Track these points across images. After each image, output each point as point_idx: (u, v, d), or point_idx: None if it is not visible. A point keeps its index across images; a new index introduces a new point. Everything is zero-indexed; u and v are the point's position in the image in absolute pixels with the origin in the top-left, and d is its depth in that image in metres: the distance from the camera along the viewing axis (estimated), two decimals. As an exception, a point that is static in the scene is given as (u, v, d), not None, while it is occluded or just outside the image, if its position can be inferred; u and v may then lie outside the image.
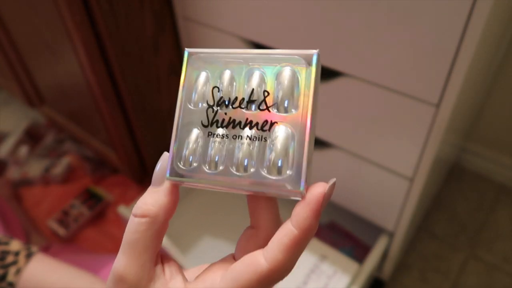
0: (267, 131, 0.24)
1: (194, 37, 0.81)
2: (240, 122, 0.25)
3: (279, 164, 0.24)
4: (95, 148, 1.01)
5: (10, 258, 0.53)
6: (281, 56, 0.25)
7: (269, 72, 0.25)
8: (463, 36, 0.50)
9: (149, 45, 0.79)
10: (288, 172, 0.24)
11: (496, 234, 1.10)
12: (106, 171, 1.15)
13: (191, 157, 0.25)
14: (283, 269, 0.23)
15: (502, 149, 1.16)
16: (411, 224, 0.81)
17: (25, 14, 0.80)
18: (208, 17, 0.74)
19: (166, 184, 0.26)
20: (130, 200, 1.04)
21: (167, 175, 0.26)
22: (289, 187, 0.23)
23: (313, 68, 0.24)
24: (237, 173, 0.24)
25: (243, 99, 0.25)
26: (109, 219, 1.05)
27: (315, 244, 0.86)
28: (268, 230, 0.25)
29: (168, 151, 0.26)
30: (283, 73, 0.25)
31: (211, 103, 0.26)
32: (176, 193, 0.26)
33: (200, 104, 0.26)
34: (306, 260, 0.84)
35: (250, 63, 0.26)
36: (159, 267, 0.26)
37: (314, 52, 0.24)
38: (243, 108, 0.25)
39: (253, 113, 0.25)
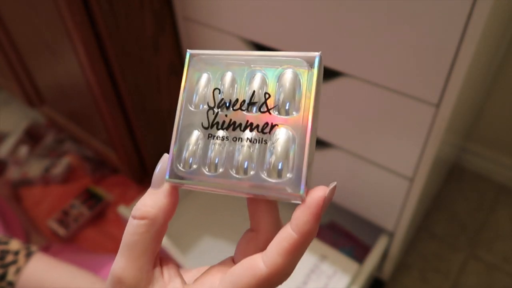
0: (268, 133, 0.24)
1: (194, 37, 0.81)
2: (240, 124, 0.25)
3: (279, 167, 0.23)
4: (95, 148, 1.01)
5: (9, 258, 0.53)
6: (283, 58, 0.25)
7: (271, 74, 0.25)
8: (463, 36, 0.50)
9: (149, 45, 0.79)
10: (288, 175, 0.23)
11: (496, 234, 1.10)
12: (106, 171, 1.15)
13: (191, 159, 0.25)
14: (282, 273, 0.23)
15: (502, 149, 1.16)
16: (411, 224, 0.81)
17: (25, 14, 0.80)
18: (208, 17, 0.74)
19: (166, 186, 0.26)
20: (130, 200, 1.04)
21: (167, 177, 0.25)
22: (289, 190, 0.23)
23: (315, 71, 0.24)
24: (237, 176, 0.24)
25: (244, 101, 0.25)
26: (109, 219, 1.05)
27: (315, 244, 0.86)
28: (268, 233, 0.25)
29: (168, 152, 0.26)
30: (284, 75, 0.25)
31: (212, 105, 0.26)
32: (176, 195, 0.26)
33: (201, 106, 0.26)
34: (306, 260, 0.84)
35: (251, 65, 0.26)
36: (157, 269, 0.26)
37: (316, 54, 0.24)
38: (244, 110, 0.25)
39: (254, 116, 0.25)
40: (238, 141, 0.25)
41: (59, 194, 1.10)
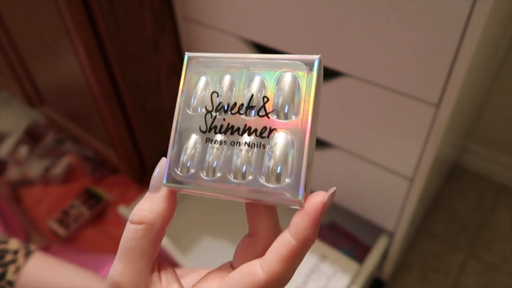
0: (266, 138, 0.24)
1: (194, 37, 0.81)
2: (238, 129, 0.24)
3: (278, 172, 0.23)
4: (95, 148, 1.01)
5: (9, 257, 0.53)
6: (282, 61, 0.25)
7: (270, 77, 0.25)
8: (463, 36, 0.50)
9: (149, 45, 0.79)
10: (286, 180, 0.23)
11: (496, 234, 1.10)
12: (106, 171, 1.15)
13: (188, 163, 0.25)
14: (280, 279, 0.23)
15: (502, 149, 1.16)
16: (411, 224, 0.81)
17: (25, 14, 0.80)
18: (208, 17, 0.74)
19: (163, 191, 0.25)
20: (130, 200, 1.04)
21: (164, 181, 0.25)
22: (287, 195, 0.23)
23: (315, 74, 0.24)
24: (235, 181, 0.24)
25: (242, 104, 0.25)
26: (109, 219, 1.05)
27: (315, 244, 0.86)
28: (267, 238, 0.25)
29: (166, 155, 0.26)
30: (283, 78, 0.24)
31: (210, 109, 0.25)
32: (174, 200, 0.26)
33: (199, 109, 0.26)
34: (306, 260, 0.84)
35: (250, 68, 0.25)
36: (155, 274, 0.25)
37: (316, 57, 0.24)
38: (242, 114, 0.25)
39: (252, 119, 0.24)
40: (236, 145, 0.24)
41: (59, 194, 1.10)
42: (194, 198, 1.00)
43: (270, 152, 0.23)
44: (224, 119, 0.25)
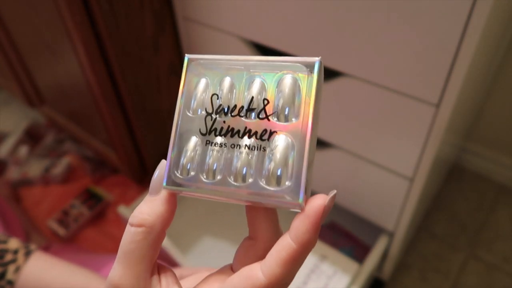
0: (266, 140, 0.24)
1: (194, 37, 0.81)
2: (239, 131, 0.24)
3: (278, 175, 0.23)
4: (95, 148, 1.01)
5: (8, 256, 0.53)
6: (282, 63, 0.25)
7: (270, 80, 0.25)
8: (463, 36, 0.50)
9: (149, 45, 0.79)
10: (287, 183, 0.23)
11: (496, 234, 1.10)
12: (106, 171, 1.15)
13: (188, 165, 0.25)
14: (281, 283, 0.23)
15: (502, 149, 1.16)
16: (411, 224, 0.81)
17: (25, 14, 0.80)
18: (208, 17, 0.74)
19: (163, 193, 0.25)
20: (130, 200, 1.04)
21: (164, 184, 0.25)
22: (288, 198, 0.23)
23: (315, 76, 0.24)
24: (235, 183, 0.24)
25: (242, 107, 0.25)
26: (109, 219, 1.05)
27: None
28: (267, 241, 0.25)
29: (166, 156, 0.26)
30: (284, 80, 0.24)
31: (210, 111, 0.25)
32: (174, 202, 0.25)
33: (199, 111, 0.26)
34: (306, 260, 0.83)
35: (250, 70, 0.25)
36: (155, 277, 0.25)
37: (316, 59, 0.24)
38: (242, 117, 0.25)
39: (252, 122, 0.24)
40: (237, 148, 0.24)
41: (59, 194, 1.10)
42: (194, 198, 1.00)
43: (271, 155, 0.23)
44: (224, 122, 0.25)
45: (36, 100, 1.06)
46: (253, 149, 0.24)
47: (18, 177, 1.12)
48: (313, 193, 0.24)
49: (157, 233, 0.25)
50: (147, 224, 0.24)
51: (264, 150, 0.24)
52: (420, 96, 0.58)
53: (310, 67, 0.24)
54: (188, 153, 0.25)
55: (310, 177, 0.24)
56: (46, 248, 0.82)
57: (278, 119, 0.24)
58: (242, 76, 0.25)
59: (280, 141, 0.23)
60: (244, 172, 0.24)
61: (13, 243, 0.55)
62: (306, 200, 0.23)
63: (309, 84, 0.24)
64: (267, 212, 0.25)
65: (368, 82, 0.62)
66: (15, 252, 0.54)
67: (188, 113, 0.26)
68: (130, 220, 0.25)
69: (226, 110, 0.25)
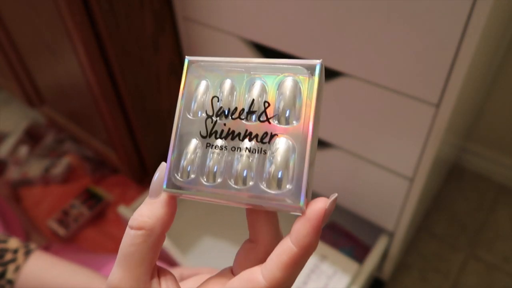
0: (267, 143, 0.24)
1: (194, 37, 0.81)
2: (239, 134, 0.24)
3: (279, 178, 0.23)
4: (95, 148, 1.01)
5: (8, 256, 0.53)
6: (283, 65, 0.24)
7: (271, 82, 0.25)
8: (463, 36, 0.50)
9: (149, 45, 0.79)
10: (288, 186, 0.23)
11: (496, 234, 1.10)
12: (106, 171, 1.15)
13: (189, 168, 0.25)
14: (281, 287, 0.23)
15: (502, 149, 1.16)
16: (411, 224, 0.81)
17: (25, 14, 0.80)
18: (208, 17, 0.74)
19: (163, 196, 0.25)
20: (130, 200, 1.04)
21: (164, 186, 0.25)
22: (288, 201, 0.23)
23: (316, 78, 0.23)
24: (236, 186, 0.24)
25: (243, 109, 0.24)
26: (109, 219, 1.05)
27: (315, 244, 0.86)
28: (268, 244, 0.25)
29: (167, 157, 0.26)
30: (285, 83, 0.24)
31: (210, 113, 0.25)
32: (174, 205, 0.25)
33: (199, 113, 0.25)
34: (306, 260, 0.83)
35: (251, 72, 0.25)
36: (155, 280, 0.25)
37: (318, 62, 0.24)
38: (243, 119, 0.24)
39: (253, 125, 0.24)
40: (237, 151, 0.24)
41: (59, 194, 1.10)
42: (194, 198, 1.00)
43: (271, 158, 0.23)
44: (224, 124, 0.25)
45: (36, 100, 1.06)
46: (254, 152, 0.24)
47: (18, 177, 1.12)
48: (313, 194, 0.24)
49: (157, 236, 0.25)
50: (147, 227, 0.24)
51: (265, 153, 0.24)
52: (420, 96, 0.58)
53: (311, 69, 0.24)
54: (188, 156, 0.25)
55: (311, 180, 0.23)
56: (46, 248, 0.82)
57: (279, 122, 0.24)
58: (242, 79, 0.25)
59: (281, 144, 0.23)
60: (244, 175, 0.24)
61: (13, 242, 0.55)
62: (307, 203, 0.23)
63: (310, 86, 0.24)
64: (268, 215, 0.25)
65: (368, 82, 0.62)
66: (15, 251, 0.54)
67: (188, 116, 0.26)
68: (130, 222, 0.25)
69: (226, 113, 0.25)
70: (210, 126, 0.25)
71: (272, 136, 0.24)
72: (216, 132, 0.25)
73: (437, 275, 1.03)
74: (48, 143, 1.22)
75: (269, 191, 0.23)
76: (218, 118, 0.25)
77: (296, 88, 0.24)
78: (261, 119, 0.24)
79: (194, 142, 0.25)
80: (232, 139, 0.24)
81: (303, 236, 0.22)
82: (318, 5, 0.59)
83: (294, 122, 0.23)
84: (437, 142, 0.61)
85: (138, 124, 0.85)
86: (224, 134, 0.25)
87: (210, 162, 0.24)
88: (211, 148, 0.25)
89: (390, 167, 0.70)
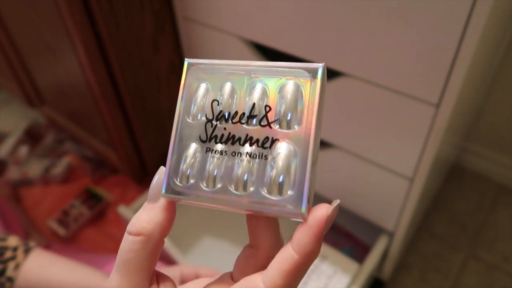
0: (268, 148, 0.23)
1: (194, 37, 0.81)
2: (240, 138, 0.24)
3: (280, 183, 0.22)
4: (95, 148, 1.01)
5: (8, 254, 0.54)
6: (284, 68, 0.24)
7: (272, 85, 0.24)
8: (463, 36, 0.50)
9: (149, 45, 0.79)
10: (289, 192, 0.22)
11: (496, 234, 1.10)
12: (106, 171, 1.15)
13: (188, 172, 0.24)
14: None
15: (502, 149, 1.16)
16: (411, 224, 0.81)
17: (25, 14, 0.80)
18: (208, 17, 0.74)
19: (162, 201, 0.25)
20: (130, 200, 1.04)
21: (163, 191, 0.24)
22: (290, 208, 0.22)
23: (318, 82, 0.23)
24: (236, 192, 0.23)
25: (243, 113, 0.24)
26: (109, 219, 1.05)
27: (315, 244, 0.86)
28: (268, 251, 0.24)
29: (166, 157, 0.25)
30: (286, 86, 0.24)
31: (210, 117, 0.24)
32: (173, 210, 0.25)
33: (199, 117, 0.25)
34: (306, 260, 0.83)
35: (252, 75, 0.24)
36: (154, 287, 0.25)
37: (320, 65, 0.23)
38: (243, 123, 0.24)
39: (254, 129, 0.24)
40: (237, 155, 0.24)
41: (59, 194, 1.10)
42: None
43: (272, 163, 0.23)
44: (224, 128, 0.24)
45: (36, 100, 1.06)
46: (255, 157, 0.23)
47: (18, 177, 1.12)
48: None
49: (155, 241, 0.24)
50: (146, 232, 0.24)
51: (266, 158, 0.23)
52: (420, 96, 0.58)
53: (313, 72, 0.23)
54: (188, 160, 0.24)
55: (313, 186, 0.23)
56: (46, 248, 0.82)
57: (280, 126, 0.23)
58: (243, 82, 0.25)
59: (282, 149, 0.23)
60: (245, 180, 0.23)
61: (13, 240, 0.55)
62: (308, 210, 0.22)
63: (311, 90, 0.23)
64: (269, 221, 0.24)
65: (368, 82, 0.62)
66: (15, 249, 0.54)
67: (187, 119, 0.25)
68: (128, 228, 0.24)
69: (226, 117, 0.24)
70: (210, 130, 0.24)
71: (273, 141, 0.23)
72: (216, 136, 0.24)
73: (437, 275, 1.03)
74: (48, 143, 1.22)
75: (270, 197, 0.23)
76: (218, 122, 0.24)
77: (298, 92, 0.23)
78: (262, 123, 0.23)
79: (193, 147, 0.25)
80: (233, 143, 0.24)
81: (305, 243, 0.22)
82: (318, 5, 0.59)
83: (295, 126, 0.23)
84: (437, 142, 0.61)
85: (138, 124, 0.85)
86: (224, 139, 0.24)
87: (210, 167, 0.24)
88: (211, 152, 0.24)
89: (390, 167, 0.70)
